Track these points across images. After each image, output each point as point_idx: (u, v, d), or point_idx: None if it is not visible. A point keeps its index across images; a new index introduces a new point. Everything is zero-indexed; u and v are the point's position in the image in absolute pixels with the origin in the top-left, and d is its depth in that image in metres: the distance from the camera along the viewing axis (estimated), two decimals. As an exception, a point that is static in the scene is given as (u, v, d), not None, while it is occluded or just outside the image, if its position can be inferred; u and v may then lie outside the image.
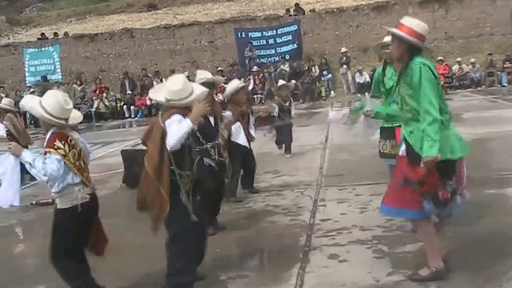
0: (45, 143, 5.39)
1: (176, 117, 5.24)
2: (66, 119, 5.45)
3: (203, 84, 6.58)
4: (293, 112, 12.74)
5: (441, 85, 5.24)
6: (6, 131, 11.92)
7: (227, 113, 8.52)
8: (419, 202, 5.01)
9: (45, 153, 5.26)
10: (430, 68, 4.98)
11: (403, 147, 5.20)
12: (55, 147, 5.26)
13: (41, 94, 22.42)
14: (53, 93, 5.57)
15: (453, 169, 5.03)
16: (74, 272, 5.60)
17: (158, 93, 5.69)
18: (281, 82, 13.40)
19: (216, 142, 7.41)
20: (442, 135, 4.88)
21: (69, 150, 5.33)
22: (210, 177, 7.09)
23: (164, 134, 5.21)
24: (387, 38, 7.63)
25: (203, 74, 7.79)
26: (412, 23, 5.17)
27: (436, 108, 4.86)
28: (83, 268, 5.65)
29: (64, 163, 5.24)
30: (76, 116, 5.68)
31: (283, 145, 12.75)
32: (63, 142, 5.31)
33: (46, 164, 5.15)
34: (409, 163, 5.05)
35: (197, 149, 6.88)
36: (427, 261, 5.28)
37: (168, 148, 5.17)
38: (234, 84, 9.27)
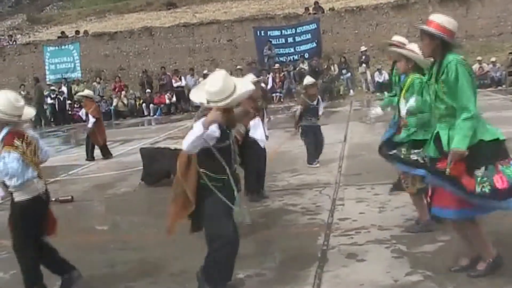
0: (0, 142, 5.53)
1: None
2: (19, 116, 5.63)
3: None
4: (321, 111, 11.84)
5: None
6: None
7: None
8: (457, 201, 4.98)
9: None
10: (466, 65, 4.99)
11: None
12: (14, 145, 5.44)
13: (38, 95, 22.83)
14: (3, 92, 5.71)
15: (486, 153, 4.96)
16: (34, 262, 5.89)
17: (199, 94, 5.39)
18: (308, 79, 12.24)
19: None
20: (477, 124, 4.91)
21: (27, 147, 5.56)
22: None
23: None
24: (396, 38, 7.86)
25: None
26: (442, 20, 5.17)
27: (474, 105, 4.87)
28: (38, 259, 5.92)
29: (23, 160, 5.45)
30: (28, 113, 5.86)
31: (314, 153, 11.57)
32: (21, 140, 5.52)
33: (6, 164, 5.35)
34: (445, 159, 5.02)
35: None
36: (481, 255, 5.25)
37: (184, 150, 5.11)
38: (248, 79, 8.95)
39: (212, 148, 5.13)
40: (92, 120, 15.28)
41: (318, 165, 11.31)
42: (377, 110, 8.04)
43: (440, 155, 5.12)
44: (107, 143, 15.96)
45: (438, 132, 5.17)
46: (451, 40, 5.08)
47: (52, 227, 6.17)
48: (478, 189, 4.87)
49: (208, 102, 5.16)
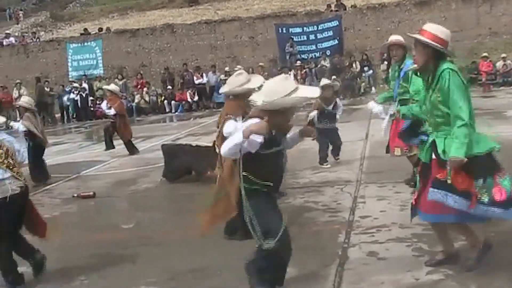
0: None
1: (250, 122, 4.82)
2: None
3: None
4: (338, 115, 11.44)
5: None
6: (24, 131, 11.93)
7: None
8: (442, 206, 5.04)
9: None
10: (457, 74, 5.04)
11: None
12: None
13: (38, 94, 23.14)
14: None
15: (483, 166, 5.02)
16: (7, 253, 6.22)
17: (258, 95, 5.07)
18: (324, 81, 11.65)
19: None
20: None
21: None
22: None
23: None
24: (393, 37, 8.05)
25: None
26: (435, 29, 5.21)
27: (466, 113, 4.94)
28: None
29: None
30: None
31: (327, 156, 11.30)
32: None
33: None
34: (438, 166, 5.13)
35: None
36: (471, 246, 5.39)
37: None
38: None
39: (256, 154, 4.82)
40: (112, 111, 15.33)
41: (329, 165, 11.19)
42: (372, 106, 8.39)
43: (430, 162, 5.26)
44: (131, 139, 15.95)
45: (434, 140, 5.24)
46: (444, 49, 5.13)
47: (40, 229, 6.58)
48: (478, 196, 4.94)
49: (263, 101, 4.85)
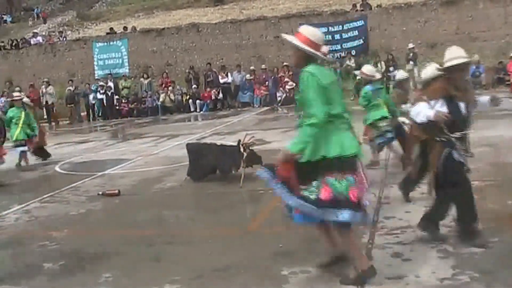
0: None
1: None
2: None
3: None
4: None
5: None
6: None
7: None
8: None
9: None
10: (315, 76, 5.08)
11: None
12: None
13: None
14: None
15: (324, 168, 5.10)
16: None
17: None
18: (401, 74, 11.46)
19: (466, 132, 6.33)
20: (326, 135, 5.08)
21: None
22: (459, 176, 6.28)
23: None
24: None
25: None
26: (308, 32, 5.32)
27: (319, 113, 4.99)
28: None
29: None
30: None
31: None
32: None
33: None
34: None
35: (443, 140, 6.25)
36: (354, 264, 5.44)
37: None
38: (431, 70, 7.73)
39: None
40: None
41: None
42: None
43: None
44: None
45: None
46: (313, 52, 5.22)
47: None
48: (306, 193, 5.13)
49: None
